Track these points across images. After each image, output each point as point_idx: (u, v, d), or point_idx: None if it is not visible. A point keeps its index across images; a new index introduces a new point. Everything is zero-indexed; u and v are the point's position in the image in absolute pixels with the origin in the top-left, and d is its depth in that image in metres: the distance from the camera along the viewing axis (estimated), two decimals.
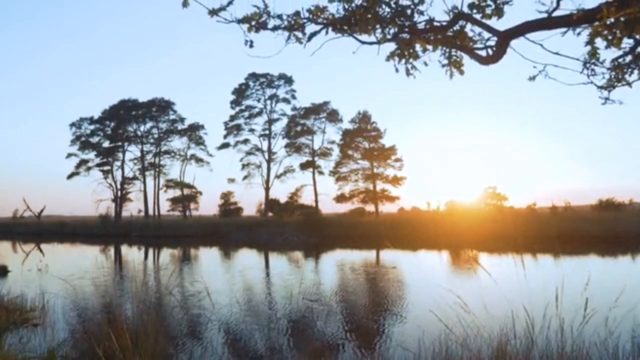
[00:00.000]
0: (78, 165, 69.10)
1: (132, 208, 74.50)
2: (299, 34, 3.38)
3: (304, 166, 62.40)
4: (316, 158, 62.50)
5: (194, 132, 69.12)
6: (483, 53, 3.48)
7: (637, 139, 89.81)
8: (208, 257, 30.63)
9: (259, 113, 64.12)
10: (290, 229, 41.53)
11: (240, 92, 63.68)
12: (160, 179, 70.37)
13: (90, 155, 69.86)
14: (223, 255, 32.40)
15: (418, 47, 3.47)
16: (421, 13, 3.34)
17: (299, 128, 62.77)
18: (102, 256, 30.93)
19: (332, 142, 62.53)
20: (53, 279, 16.58)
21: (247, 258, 29.58)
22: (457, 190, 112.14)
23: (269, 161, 63.95)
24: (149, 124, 69.92)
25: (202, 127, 69.29)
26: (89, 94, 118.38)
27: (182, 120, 69.56)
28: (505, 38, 3.33)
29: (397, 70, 3.57)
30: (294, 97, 63.57)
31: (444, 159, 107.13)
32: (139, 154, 70.22)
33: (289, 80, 62.58)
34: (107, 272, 20.01)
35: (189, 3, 3.10)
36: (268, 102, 63.78)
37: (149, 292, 14.41)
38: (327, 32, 3.41)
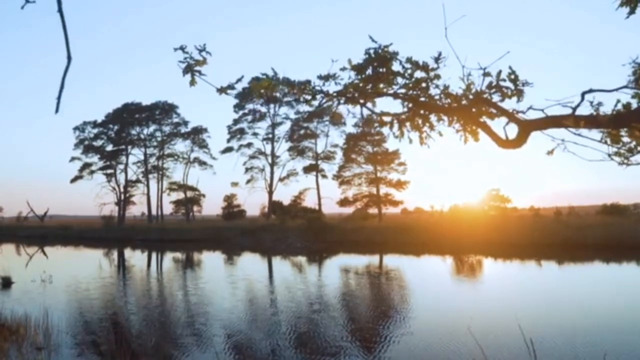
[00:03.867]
0: (81, 169, 69.28)
1: (135, 211, 74.85)
2: (308, 97, 3.33)
3: (307, 170, 62.35)
4: (319, 162, 62.46)
5: (197, 135, 69.17)
6: (501, 131, 3.40)
7: None
8: (212, 262, 30.58)
9: (262, 117, 64.12)
10: (294, 234, 41.49)
11: (243, 96, 63.64)
12: (163, 181, 70.56)
13: (94, 158, 70.07)
14: (226, 260, 32.36)
15: (433, 117, 3.39)
16: (437, 87, 3.28)
17: (302, 132, 62.70)
18: (106, 263, 30.92)
19: (336, 146, 62.45)
20: (57, 292, 16.58)
21: (251, 264, 29.53)
22: (460, 192, 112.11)
23: (272, 165, 63.90)
24: (153, 127, 70.06)
25: (205, 130, 69.40)
26: (92, 97, 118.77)
27: (185, 123, 69.68)
28: (526, 128, 3.26)
29: (410, 141, 3.50)
30: (297, 100, 63.51)
31: (447, 160, 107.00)
32: (142, 157, 70.32)
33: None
34: (111, 283, 19.98)
35: (196, 82, 3.05)
36: (271, 105, 63.72)
37: (155, 304, 14.42)
38: (339, 103, 3.35)
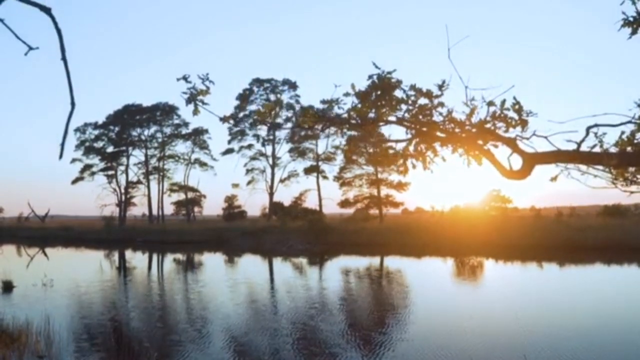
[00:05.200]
0: (82, 170, 69.23)
1: (136, 211, 74.79)
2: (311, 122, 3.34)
3: (308, 171, 62.29)
4: (320, 163, 62.42)
5: (198, 137, 69.11)
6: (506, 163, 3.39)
7: None
8: (213, 265, 30.59)
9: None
10: (295, 235, 41.44)
11: (244, 98, 63.54)
12: (164, 183, 70.51)
13: (95, 160, 70.00)
14: (227, 262, 32.40)
15: (436, 143, 3.39)
16: (440, 114, 3.27)
17: (302, 133, 62.60)
18: (107, 265, 30.96)
19: (337, 147, 62.36)
20: (58, 296, 16.59)
21: (252, 266, 29.53)
22: (461, 192, 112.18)
23: (273, 166, 63.89)
24: (153, 129, 69.97)
25: (206, 131, 69.27)
26: (93, 98, 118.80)
27: (186, 124, 69.52)
28: (530, 161, 3.26)
29: (414, 166, 3.49)
30: (297, 102, 63.34)
31: (448, 161, 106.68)
32: (143, 158, 70.28)
33: (293, 86, 62.38)
34: (113, 286, 19.99)
35: (199, 111, 3.05)
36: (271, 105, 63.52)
37: (157, 309, 14.42)
38: (342, 131, 3.36)
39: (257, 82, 62.67)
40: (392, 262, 29.52)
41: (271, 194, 63.68)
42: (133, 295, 18.20)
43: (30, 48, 2.33)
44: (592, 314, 13.15)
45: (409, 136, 3.35)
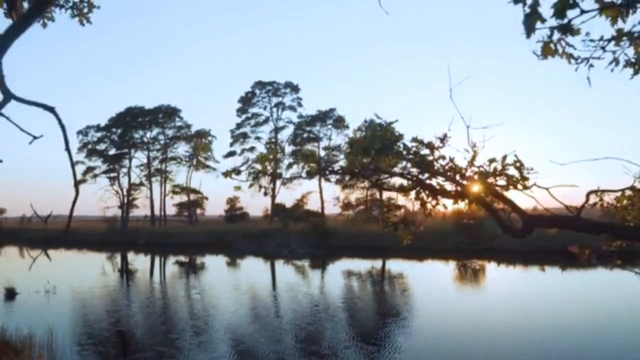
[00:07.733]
0: (85, 173, 69.25)
1: (139, 213, 74.84)
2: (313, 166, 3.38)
3: (309, 173, 62.20)
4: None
5: (200, 139, 69.10)
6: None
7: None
8: (215, 270, 30.65)
9: (265, 121, 63.99)
10: (297, 239, 41.41)
11: (246, 100, 63.55)
12: (166, 184, 70.49)
13: (97, 162, 70.09)
14: (229, 266, 32.47)
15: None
16: (442, 166, 3.32)
17: (305, 135, 62.57)
18: (110, 269, 31.09)
19: (338, 148, 62.28)
20: (61, 304, 16.65)
21: (254, 271, 29.54)
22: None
23: (275, 168, 63.86)
24: (156, 131, 69.88)
25: (208, 133, 69.25)
26: (95, 101, 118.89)
27: (188, 126, 69.42)
28: (530, 223, 3.31)
29: (413, 229, 3.54)
30: (300, 104, 63.36)
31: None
32: (145, 160, 70.28)
33: (295, 88, 62.38)
34: (115, 292, 20.08)
35: (202, 164, 3.08)
36: (274, 109, 63.61)
37: (160, 315, 14.46)
38: (345, 177, 3.41)
39: (259, 84, 62.70)
40: (394, 265, 29.57)
41: (273, 196, 63.69)
42: (136, 301, 18.25)
43: (35, 137, 2.37)
44: (592, 315, 13.19)
45: (410, 183, 3.39)
